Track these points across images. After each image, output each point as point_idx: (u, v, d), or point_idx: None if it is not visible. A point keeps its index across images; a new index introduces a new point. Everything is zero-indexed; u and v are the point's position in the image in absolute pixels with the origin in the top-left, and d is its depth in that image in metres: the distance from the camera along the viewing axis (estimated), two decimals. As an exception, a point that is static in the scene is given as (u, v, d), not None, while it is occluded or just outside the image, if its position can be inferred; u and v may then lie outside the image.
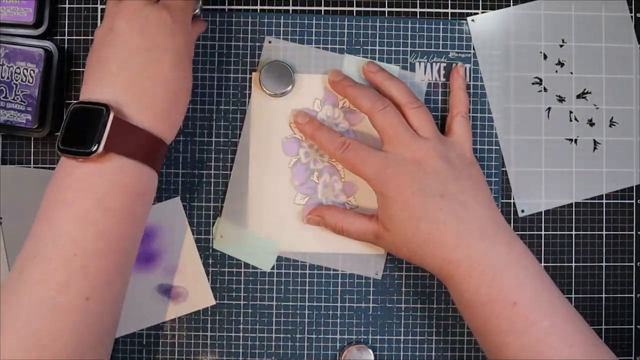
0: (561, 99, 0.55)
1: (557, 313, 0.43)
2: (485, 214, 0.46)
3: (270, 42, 0.54)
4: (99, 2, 0.54)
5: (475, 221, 0.45)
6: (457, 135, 0.50)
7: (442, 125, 0.54)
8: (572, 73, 0.55)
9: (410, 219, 0.45)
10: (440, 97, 0.54)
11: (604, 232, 0.54)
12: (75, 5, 0.54)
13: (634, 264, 0.54)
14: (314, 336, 0.53)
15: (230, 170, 0.53)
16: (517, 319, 0.42)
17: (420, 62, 0.54)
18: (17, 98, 0.50)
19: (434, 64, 0.54)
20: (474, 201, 0.46)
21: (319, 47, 0.54)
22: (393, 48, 0.54)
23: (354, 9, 0.54)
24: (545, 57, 0.55)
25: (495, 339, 0.43)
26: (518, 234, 0.53)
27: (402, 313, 0.53)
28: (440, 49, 0.54)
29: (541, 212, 0.54)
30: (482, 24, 0.54)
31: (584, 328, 0.43)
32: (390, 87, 0.50)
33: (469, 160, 0.49)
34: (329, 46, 0.54)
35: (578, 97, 0.55)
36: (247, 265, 0.53)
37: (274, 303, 0.53)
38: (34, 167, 0.53)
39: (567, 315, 0.43)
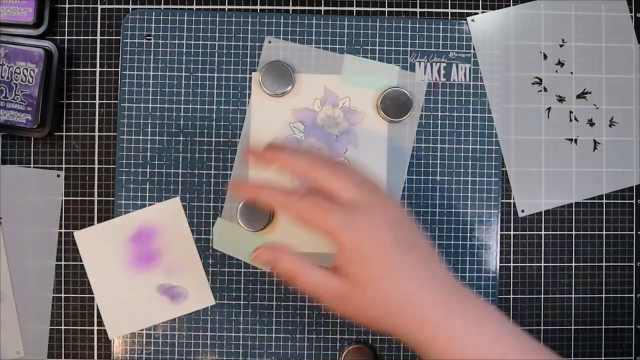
0: (561, 99, 0.55)
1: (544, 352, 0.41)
2: (441, 265, 0.42)
3: (270, 42, 0.54)
4: (99, 2, 0.54)
5: (441, 275, 0.41)
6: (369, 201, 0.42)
7: (444, 126, 0.54)
8: (572, 73, 0.55)
9: (392, 275, 0.39)
10: (440, 97, 0.54)
11: (604, 232, 0.54)
12: (75, 5, 0.54)
13: (634, 264, 0.54)
14: (314, 336, 0.53)
15: (230, 170, 0.53)
16: None
17: (420, 62, 0.54)
18: (17, 98, 0.50)
19: (434, 64, 0.54)
20: (429, 250, 0.42)
21: (319, 47, 0.54)
22: (393, 48, 0.54)
23: (354, 9, 0.54)
24: (545, 57, 0.55)
25: None
26: (518, 234, 0.53)
27: (402, 313, 0.53)
28: (440, 49, 0.54)
29: (541, 212, 0.54)
30: (482, 24, 0.54)
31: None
32: (282, 157, 0.43)
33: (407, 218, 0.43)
34: (329, 46, 0.54)
35: (578, 97, 0.55)
36: (247, 265, 0.53)
37: (274, 303, 0.53)
38: (34, 167, 0.53)
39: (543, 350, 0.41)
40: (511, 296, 0.54)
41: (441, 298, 0.40)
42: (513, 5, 0.55)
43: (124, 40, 0.53)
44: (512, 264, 0.54)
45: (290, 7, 0.54)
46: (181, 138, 0.53)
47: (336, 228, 0.39)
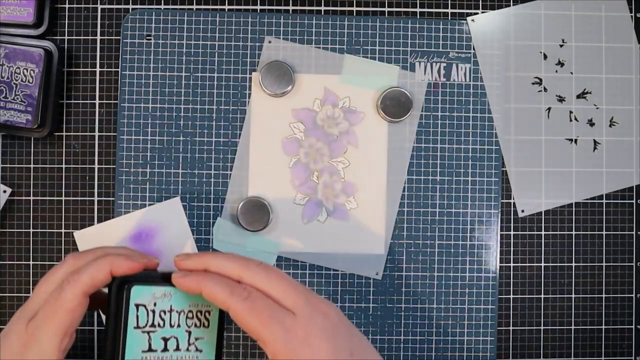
0: (561, 99, 0.55)
1: None
2: None
3: (270, 42, 0.54)
4: (98, 2, 0.54)
5: None
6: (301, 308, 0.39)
7: (444, 126, 0.54)
8: (572, 73, 0.55)
9: None
10: (440, 97, 0.54)
11: (604, 232, 0.54)
12: (75, 5, 0.54)
13: (634, 264, 0.54)
14: (314, 336, 0.53)
15: (231, 171, 0.53)
16: None
17: (420, 62, 0.54)
18: (17, 98, 0.50)
19: (434, 64, 0.54)
20: (372, 354, 0.41)
21: (319, 47, 0.54)
22: (393, 48, 0.54)
23: (354, 9, 0.54)
24: (545, 57, 0.55)
25: None
26: (518, 234, 0.53)
27: (402, 313, 0.53)
28: (440, 49, 0.54)
29: (541, 212, 0.54)
30: (482, 24, 0.54)
31: None
32: (213, 264, 0.40)
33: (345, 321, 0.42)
34: (329, 46, 0.54)
35: (578, 97, 0.55)
36: (247, 265, 0.53)
37: (274, 303, 0.53)
38: (34, 167, 0.53)
39: None
40: (511, 296, 0.54)
41: None
42: (513, 5, 0.55)
43: (124, 40, 0.53)
44: (512, 264, 0.54)
45: (290, 7, 0.54)
46: (181, 138, 0.53)
47: (271, 342, 0.37)
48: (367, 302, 0.53)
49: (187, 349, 0.41)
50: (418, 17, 0.54)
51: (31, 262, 0.53)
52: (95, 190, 0.53)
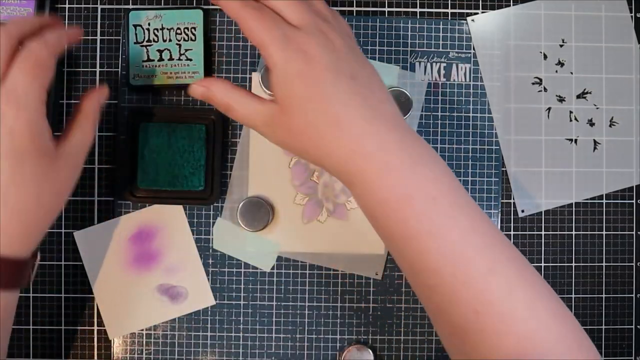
0: (561, 99, 0.55)
1: (477, 212, 0.38)
2: (391, 106, 0.39)
3: (270, 42, 0.54)
4: (98, 2, 0.54)
5: (383, 110, 0.38)
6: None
7: (444, 126, 0.54)
8: (572, 73, 0.55)
9: (318, 98, 0.37)
10: (440, 97, 0.54)
11: (604, 232, 0.54)
12: (75, 5, 0.54)
13: (634, 264, 0.54)
14: (314, 336, 0.53)
15: (231, 170, 0.53)
16: (438, 217, 0.36)
17: (420, 62, 0.54)
18: (17, 98, 0.50)
19: (434, 64, 0.54)
20: (379, 90, 0.39)
21: (319, 47, 0.54)
22: (393, 48, 0.54)
23: (354, 9, 0.54)
24: (545, 57, 0.55)
25: (415, 243, 0.37)
26: (518, 234, 0.53)
27: (402, 313, 0.53)
28: (440, 49, 0.54)
29: (541, 212, 0.54)
30: (482, 24, 0.54)
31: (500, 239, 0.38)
32: None
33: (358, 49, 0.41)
34: (329, 46, 0.54)
35: (578, 97, 0.55)
36: (247, 265, 0.53)
37: (274, 303, 0.53)
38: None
39: (486, 219, 0.38)
40: (511, 296, 0.54)
41: (376, 129, 0.37)
42: (513, 5, 0.55)
43: (124, 40, 0.53)
44: (512, 264, 0.54)
45: (290, 7, 0.54)
46: (181, 138, 0.53)
47: (269, 44, 0.37)
48: (367, 302, 0.53)
49: (179, 59, 0.51)
50: (418, 17, 0.54)
51: (31, 262, 0.53)
52: (95, 190, 0.53)
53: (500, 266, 0.36)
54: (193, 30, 0.51)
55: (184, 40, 0.51)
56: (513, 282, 0.36)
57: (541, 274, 0.54)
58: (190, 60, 0.52)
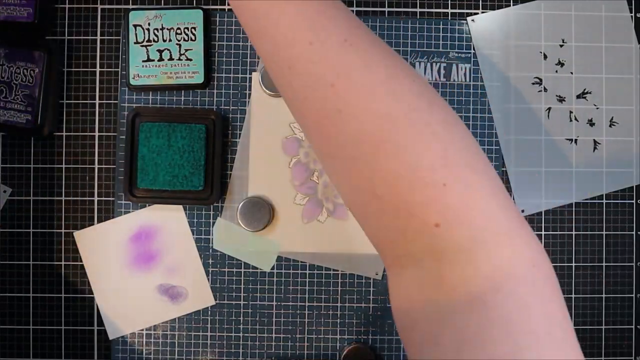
0: (561, 99, 0.55)
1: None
2: None
3: (270, 42, 0.54)
4: (98, 2, 0.54)
5: None
6: None
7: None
8: (572, 73, 0.55)
9: None
10: (440, 97, 0.54)
11: (604, 232, 0.54)
12: (75, 6, 0.54)
13: (634, 264, 0.54)
14: (314, 336, 0.53)
15: (231, 170, 0.53)
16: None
17: (420, 62, 0.54)
18: (17, 98, 0.50)
19: (434, 64, 0.54)
20: None
21: (319, 47, 0.54)
22: (393, 48, 0.54)
23: (354, 9, 0.54)
24: (545, 57, 0.55)
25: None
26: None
27: (402, 313, 0.53)
28: (440, 49, 0.54)
29: (541, 212, 0.54)
30: (482, 24, 0.54)
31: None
32: None
33: None
34: (329, 46, 0.54)
35: (578, 97, 0.55)
36: (247, 265, 0.53)
37: (274, 303, 0.53)
38: (34, 167, 0.53)
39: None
40: (511, 296, 0.54)
41: None
42: (513, 5, 0.55)
43: (124, 40, 0.53)
44: (512, 264, 0.54)
45: (290, 7, 0.54)
46: (181, 138, 0.53)
47: None
48: (367, 302, 0.53)
49: (179, 59, 0.51)
50: (418, 17, 0.54)
51: (31, 262, 0.53)
52: (95, 190, 0.53)
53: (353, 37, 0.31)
54: (193, 30, 0.52)
55: (184, 40, 0.52)
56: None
57: (541, 274, 0.54)
58: (190, 60, 0.52)
